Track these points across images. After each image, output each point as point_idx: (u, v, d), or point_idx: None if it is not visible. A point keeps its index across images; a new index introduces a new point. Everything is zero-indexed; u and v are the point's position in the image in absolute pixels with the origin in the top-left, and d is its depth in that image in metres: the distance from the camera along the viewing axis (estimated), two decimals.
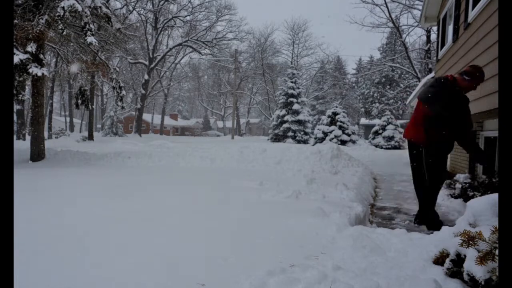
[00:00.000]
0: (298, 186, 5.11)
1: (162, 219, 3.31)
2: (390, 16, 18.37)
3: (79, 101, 10.07)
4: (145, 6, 30.54)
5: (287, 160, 8.51)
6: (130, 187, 5.17)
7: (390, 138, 20.91)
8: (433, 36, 18.47)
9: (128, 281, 2.01)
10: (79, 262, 2.26)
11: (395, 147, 20.27)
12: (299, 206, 3.86)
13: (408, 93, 32.39)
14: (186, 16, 34.08)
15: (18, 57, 7.52)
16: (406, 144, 5.34)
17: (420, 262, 2.29)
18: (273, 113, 35.52)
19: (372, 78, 38.57)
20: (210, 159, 8.94)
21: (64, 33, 7.93)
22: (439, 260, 2.18)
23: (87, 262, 2.26)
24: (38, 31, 7.76)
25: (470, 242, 1.86)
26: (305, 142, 26.96)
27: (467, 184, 5.42)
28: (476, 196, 4.34)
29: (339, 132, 22.85)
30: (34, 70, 7.82)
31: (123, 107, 11.25)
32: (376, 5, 19.28)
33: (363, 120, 39.27)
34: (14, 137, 18.89)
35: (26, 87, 17.73)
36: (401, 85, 35.10)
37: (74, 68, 10.02)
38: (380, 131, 21.82)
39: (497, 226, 1.81)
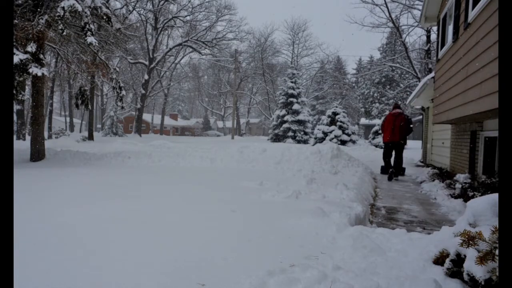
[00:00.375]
0: (298, 186, 5.11)
1: (162, 219, 3.31)
2: (390, 16, 18.37)
3: (79, 101, 10.06)
4: (145, 6, 30.53)
5: (287, 160, 8.51)
6: (130, 187, 5.17)
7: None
8: (433, 36, 18.47)
9: (128, 281, 2.01)
10: (79, 262, 2.26)
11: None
12: (299, 206, 3.86)
13: (408, 93, 32.40)
14: (186, 16, 34.07)
15: (18, 57, 7.52)
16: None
17: (420, 262, 2.29)
18: (273, 113, 35.53)
19: (372, 78, 38.57)
20: (210, 159, 8.94)
21: (64, 33, 7.92)
22: (439, 260, 2.18)
23: (87, 262, 2.26)
24: (38, 31, 7.76)
25: (470, 242, 1.86)
26: (305, 142, 26.96)
27: (467, 184, 5.42)
28: (476, 196, 4.34)
29: (339, 132, 22.85)
30: (34, 70, 7.82)
31: (123, 107, 11.24)
32: (376, 5, 19.27)
33: (363, 120, 39.28)
34: (14, 137, 18.89)
35: (26, 87, 17.75)
36: (401, 85, 35.10)
37: (75, 67, 10.02)
38: (380, 131, 21.80)
39: (497, 226, 1.81)
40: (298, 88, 29.46)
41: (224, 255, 2.41)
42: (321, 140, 22.60)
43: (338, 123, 23.19)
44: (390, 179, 7.67)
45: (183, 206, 3.90)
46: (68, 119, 41.26)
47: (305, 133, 28.39)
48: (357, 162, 8.54)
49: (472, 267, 1.77)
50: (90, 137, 22.64)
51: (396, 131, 7.85)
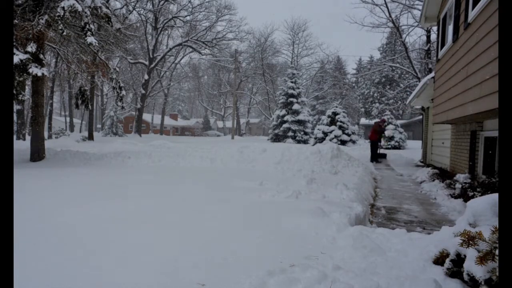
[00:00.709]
0: (298, 186, 5.11)
1: (162, 219, 3.31)
2: (390, 16, 18.37)
3: (79, 101, 10.06)
4: (145, 6, 30.52)
5: (287, 160, 8.51)
6: (130, 187, 5.17)
7: (390, 138, 20.90)
8: (433, 36, 18.47)
9: (129, 281, 2.01)
10: (79, 262, 2.26)
11: (395, 147, 20.25)
12: (299, 206, 3.86)
13: (408, 93, 32.41)
14: (186, 16, 34.06)
15: (18, 57, 7.51)
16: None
17: (420, 262, 2.29)
18: (273, 113, 35.52)
19: (372, 78, 38.57)
20: (210, 159, 8.94)
21: (64, 33, 7.92)
22: (439, 260, 2.18)
23: (87, 262, 2.26)
24: (38, 31, 7.76)
25: (470, 242, 1.86)
26: (305, 142, 26.96)
27: (467, 184, 5.43)
28: (476, 196, 4.34)
29: (339, 132, 22.84)
30: (34, 70, 7.81)
31: (123, 107, 11.24)
32: (376, 5, 19.27)
33: (363, 120, 39.27)
34: (14, 137, 18.88)
35: (26, 87, 17.73)
36: (401, 85, 35.11)
37: (75, 67, 10.02)
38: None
39: (497, 226, 1.81)
40: (298, 88, 29.45)
41: (224, 255, 2.41)
42: (321, 140, 22.59)
43: (338, 123, 23.18)
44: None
45: (183, 206, 3.90)
46: (68, 119, 41.24)
47: (305, 133, 28.39)
48: (357, 162, 8.54)
49: (472, 267, 1.77)
50: (90, 137, 22.64)
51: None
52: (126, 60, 29.74)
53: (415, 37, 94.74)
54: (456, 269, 1.98)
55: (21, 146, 11.85)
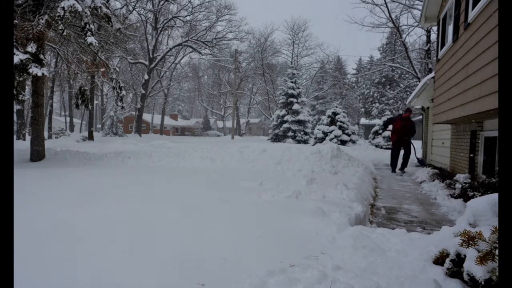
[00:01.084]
0: (298, 186, 5.11)
1: (162, 219, 3.31)
2: (390, 16, 18.37)
3: (79, 101, 10.05)
4: (145, 6, 30.53)
5: (287, 160, 8.51)
6: (130, 187, 5.16)
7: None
8: (433, 36, 18.47)
9: (129, 281, 2.01)
10: (79, 262, 2.26)
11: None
12: (299, 206, 3.86)
13: (408, 93, 32.40)
14: (186, 16, 34.07)
15: (18, 57, 7.51)
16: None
17: (420, 262, 2.29)
18: (273, 113, 35.52)
19: (372, 78, 38.56)
20: (210, 159, 8.94)
21: (64, 33, 7.91)
22: (439, 260, 2.18)
23: (87, 262, 2.26)
24: (38, 31, 7.76)
25: (470, 242, 1.86)
26: (305, 142, 26.96)
27: (467, 184, 5.43)
28: (476, 196, 4.34)
29: (339, 132, 22.85)
30: (34, 70, 7.81)
31: (123, 107, 11.23)
32: (376, 5, 19.27)
33: (363, 120, 39.27)
34: (14, 137, 18.88)
35: (26, 87, 17.74)
36: (401, 85, 35.10)
37: (75, 67, 10.02)
38: (380, 131, 21.82)
39: (497, 226, 1.81)
40: (298, 88, 29.46)
41: (224, 255, 2.41)
42: (321, 140, 22.60)
43: (338, 123, 23.19)
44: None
45: (182, 206, 3.90)
46: (68, 119, 41.23)
47: (305, 133, 28.39)
48: (357, 162, 8.55)
49: (472, 267, 1.77)
50: (90, 137, 22.64)
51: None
52: (126, 60, 29.74)
53: (415, 37, 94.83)
54: (456, 269, 1.98)
55: (21, 146, 11.85)
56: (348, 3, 24.05)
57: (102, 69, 9.77)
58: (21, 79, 8.07)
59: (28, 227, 2.94)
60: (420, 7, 14.31)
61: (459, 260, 1.96)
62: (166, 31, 36.64)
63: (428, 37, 19.02)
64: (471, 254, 1.82)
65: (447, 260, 2.05)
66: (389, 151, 11.99)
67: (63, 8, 7.56)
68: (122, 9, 24.98)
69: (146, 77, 31.92)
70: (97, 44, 8.53)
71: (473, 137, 6.34)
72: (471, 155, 6.34)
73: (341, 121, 23.20)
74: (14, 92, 8.35)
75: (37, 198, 4.22)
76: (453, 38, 6.23)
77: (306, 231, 2.98)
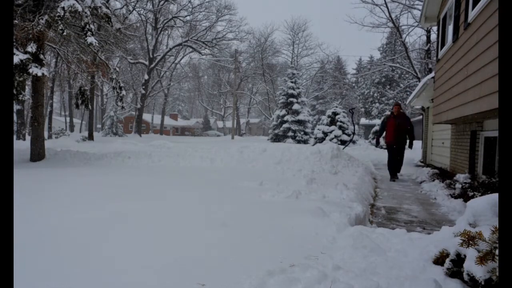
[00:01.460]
0: (298, 186, 5.11)
1: (162, 219, 3.31)
2: (390, 16, 18.38)
3: (79, 101, 10.06)
4: (145, 6, 30.53)
5: (287, 160, 8.51)
6: (130, 187, 5.16)
7: (385, 139, 20.90)
8: (433, 36, 18.47)
9: (129, 281, 2.01)
10: (79, 262, 2.26)
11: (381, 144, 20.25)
12: (299, 206, 3.86)
13: (408, 93, 32.40)
14: (186, 16, 34.08)
15: (18, 57, 7.51)
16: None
17: (420, 262, 2.29)
18: (273, 113, 35.52)
19: (372, 78, 38.57)
20: (210, 159, 8.94)
21: (64, 33, 7.92)
22: (439, 260, 2.18)
23: (87, 262, 2.26)
24: (38, 31, 7.76)
25: (470, 242, 1.86)
26: (305, 142, 26.96)
27: (467, 184, 5.42)
28: (476, 196, 4.34)
29: (339, 132, 22.84)
30: (34, 70, 7.81)
31: (123, 107, 11.24)
32: (376, 5, 19.28)
33: (363, 120, 39.28)
34: (14, 137, 18.88)
35: (26, 87, 17.72)
36: (401, 85, 35.09)
37: (75, 67, 10.02)
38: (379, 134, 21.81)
39: (497, 226, 1.81)
40: (298, 88, 29.46)
41: (224, 255, 2.41)
42: (321, 140, 22.60)
43: (338, 123, 23.19)
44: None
45: (183, 206, 3.90)
46: (68, 119, 41.22)
47: (305, 133, 28.39)
48: (357, 162, 8.54)
49: (472, 267, 1.77)
50: (90, 137, 22.64)
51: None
52: (126, 60, 29.74)
53: (415, 37, 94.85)
54: (456, 269, 1.98)
55: (21, 146, 11.85)
56: (348, 3, 24.07)
57: (94, 70, 9.75)
58: (21, 79, 8.07)
59: (28, 227, 2.94)
60: (420, 7, 14.31)
61: (459, 260, 1.96)
62: (166, 31, 36.65)
63: (428, 37, 19.03)
64: (471, 254, 1.82)
65: (447, 260, 2.05)
66: None
67: (63, 8, 7.56)
68: (122, 9, 24.96)
69: (146, 77, 31.93)
70: (97, 44, 8.53)
71: (473, 137, 6.34)
72: (471, 155, 6.34)
73: (341, 121, 23.20)
74: (14, 92, 8.35)
75: (37, 198, 4.22)
76: (453, 38, 6.23)
77: (306, 231, 2.98)
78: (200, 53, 35.71)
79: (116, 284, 1.97)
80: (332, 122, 23.56)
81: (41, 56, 8.47)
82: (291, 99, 28.66)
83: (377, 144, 9.03)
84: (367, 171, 8.05)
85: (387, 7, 18.05)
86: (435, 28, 13.66)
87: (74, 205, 3.87)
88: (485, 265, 1.71)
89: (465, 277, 1.84)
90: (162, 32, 33.91)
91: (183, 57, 40.17)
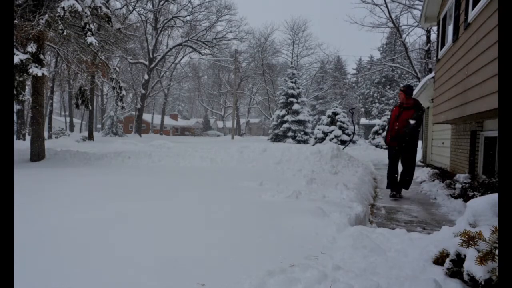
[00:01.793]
0: (298, 186, 5.11)
1: (162, 220, 3.31)
2: (390, 16, 18.38)
3: (79, 101, 10.06)
4: (145, 6, 30.54)
5: (287, 160, 8.51)
6: (130, 187, 5.16)
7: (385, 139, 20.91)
8: (433, 36, 18.48)
9: (129, 281, 2.01)
10: (79, 262, 2.26)
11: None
12: (299, 206, 3.85)
13: None
14: (186, 16, 34.09)
15: (18, 57, 7.51)
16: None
17: (420, 262, 2.29)
18: (273, 113, 35.52)
19: (372, 78, 38.58)
20: (210, 159, 8.94)
21: (64, 33, 7.92)
22: (439, 260, 2.17)
23: (87, 262, 2.26)
24: (38, 31, 7.76)
25: (470, 242, 1.86)
26: (305, 142, 26.96)
27: (467, 184, 5.42)
28: (476, 196, 4.34)
29: (339, 132, 22.84)
30: (34, 70, 7.81)
31: (123, 107, 11.25)
32: (376, 5, 19.29)
33: (363, 120, 39.28)
34: (14, 137, 18.88)
35: (26, 87, 17.73)
36: (401, 85, 35.04)
37: (75, 67, 10.02)
38: (380, 131, 21.83)
39: (497, 226, 1.81)
40: (298, 88, 29.46)
41: (224, 255, 2.41)
42: (321, 140, 22.60)
43: (338, 123, 23.19)
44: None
45: (183, 206, 3.90)
46: (68, 119, 41.22)
47: (305, 133, 28.40)
48: (357, 162, 8.54)
49: (472, 267, 1.77)
50: (90, 137, 22.65)
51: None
52: (126, 60, 29.75)
53: (415, 37, 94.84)
54: (456, 269, 1.98)
55: (21, 146, 11.85)
56: (348, 3, 24.09)
57: (94, 70, 9.75)
58: (21, 79, 8.07)
59: (27, 227, 2.94)
60: (420, 7, 14.31)
61: (459, 260, 1.96)
62: (166, 31, 36.65)
63: (428, 37, 19.03)
64: (471, 254, 1.82)
65: (447, 260, 2.05)
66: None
67: (63, 8, 7.56)
68: (122, 9, 24.96)
69: (146, 77, 31.93)
70: (97, 44, 8.53)
71: (473, 137, 6.34)
72: (471, 155, 6.34)
73: (341, 121, 23.21)
74: (14, 92, 8.35)
75: (37, 198, 4.22)
76: (453, 38, 6.23)
77: (306, 231, 2.98)
78: (200, 53, 35.72)
79: (116, 284, 1.97)
80: (332, 122, 23.56)
81: (41, 56, 8.47)
82: (291, 99, 28.67)
83: (390, 149, 5.86)
84: (367, 171, 8.05)
85: (387, 7, 18.06)
86: (435, 28, 13.66)
87: (74, 205, 3.87)
88: (485, 265, 1.71)
89: (465, 277, 1.84)
90: (162, 32, 33.92)
91: (183, 57, 40.20)
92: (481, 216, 2.15)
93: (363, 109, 39.67)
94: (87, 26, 8.00)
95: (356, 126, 28.49)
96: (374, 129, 22.83)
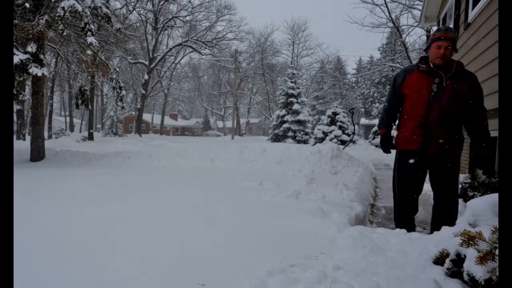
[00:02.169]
0: (298, 186, 5.11)
1: (162, 220, 3.31)
2: (390, 16, 18.40)
3: (79, 101, 10.06)
4: (145, 6, 30.57)
5: (287, 160, 8.51)
6: (130, 187, 5.16)
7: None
8: None
9: (129, 281, 2.01)
10: (79, 262, 2.26)
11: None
12: (299, 206, 3.85)
13: None
14: (186, 16, 34.12)
15: (18, 57, 7.52)
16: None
17: (420, 262, 2.29)
18: (273, 113, 35.53)
19: (372, 78, 38.60)
20: (210, 159, 8.94)
21: (64, 33, 7.93)
22: (439, 260, 2.17)
23: (87, 262, 2.26)
24: (38, 31, 7.76)
25: (470, 242, 1.86)
26: (305, 142, 26.96)
27: (467, 184, 5.42)
28: (476, 196, 4.35)
29: (339, 132, 22.86)
30: (34, 70, 7.81)
31: (123, 107, 11.26)
32: (376, 5, 19.31)
33: (363, 120, 39.29)
34: (14, 137, 18.89)
35: (26, 87, 17.74)
36: None
37: (75, 67, 10.03)
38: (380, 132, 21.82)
39: (497, 226, 1.81)
40: (298, 88, 29.47)
41: (224, 255, 2.41)
42: (321, 140, 22.60)
43: (338, 123, 23.20)
44: None
45: (182, 206, 3.90)
46: (68, 119, 41.23)
47: (305, 133, 28.40)
48: (357, 162, 8.54)
49: (472, 267, 1.77)
50: (90, 137, 22.66)
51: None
52: (126, 60, 29.76)
53: (415, 37, 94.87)
54: (456, 269, 1.97)
55: (21, 146, 11.86)
56: (348, 3, 24.09)
57: (94, 70, 9.77)
58: (21, 79, 8.07)
59: (27, 228, 2.94)
60: (420, 7, 14.31)
61: (459, 260, 1.96)
62: (166, 31, 36.68)
63: (428, 37, 19.03)
64: (471, 254, 1.82)
65: (447, 260, 2.04)
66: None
67: (63, 8, 7.57)
68: (122, 9, 24.97)
69: (146, 77, 31.95)
70: (97, 44, 8.54)
71: None
72: (471, 155, 6.33)
73: (341, 121, 23.21)
74: (14, 92, 8.36)
75: (36, 198, 4.22)
76: None
77: (306, 231, 2.98)
78: (200, 53, 35.74)
79: (115, 283, 1.97)
80: (332, 122, 23.57)
81: (41, 56, 8.47)
82: (291, 99, 28.67)
83: (385, 148, 3.93)
84: (367, 171, 8.05)
85: (387, 7, 18.08)
86: (435, 28, 13.66)
87: (74, 205, 3.87)
88: (485, 265, 1.71)
89: (465, 277, 1.84)
90: (162, 32, 33.94)
91: (183, 57, 40.25)
92: (481, 216, 2.15)
93: (363, 109, 39.69)
94: (87, 26, 8.00)
95: (356, 126, 28.49)
96: (374, 129, 22.84)
